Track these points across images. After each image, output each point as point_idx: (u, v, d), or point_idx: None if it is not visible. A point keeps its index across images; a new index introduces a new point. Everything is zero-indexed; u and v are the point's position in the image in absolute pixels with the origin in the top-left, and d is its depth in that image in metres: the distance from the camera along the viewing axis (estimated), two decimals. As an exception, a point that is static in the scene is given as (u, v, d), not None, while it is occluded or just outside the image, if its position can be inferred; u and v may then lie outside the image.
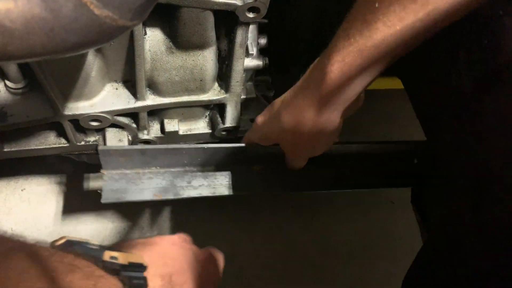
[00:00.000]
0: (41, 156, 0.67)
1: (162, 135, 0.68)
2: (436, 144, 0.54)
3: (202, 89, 0.62)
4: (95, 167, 0.57)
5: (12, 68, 0.54)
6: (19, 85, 0.57)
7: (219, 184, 0.61)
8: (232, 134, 0.70)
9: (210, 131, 0.70)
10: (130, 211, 1.00)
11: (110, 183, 0.56)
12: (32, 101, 0.58)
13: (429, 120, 0.55)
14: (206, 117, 0.70)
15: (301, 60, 0.49)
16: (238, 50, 0.57)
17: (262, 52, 0.64)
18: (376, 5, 0.37)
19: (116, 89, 0.61)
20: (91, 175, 0.56)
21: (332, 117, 0.46)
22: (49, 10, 0.27)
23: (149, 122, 0.67)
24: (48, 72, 0.52)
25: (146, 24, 0.54)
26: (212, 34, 0.56)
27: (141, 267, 0.36)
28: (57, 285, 0.27)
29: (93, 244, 0.34)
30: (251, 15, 0.52)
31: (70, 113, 0.58)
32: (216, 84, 0.64)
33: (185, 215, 1.01)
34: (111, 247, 0.35)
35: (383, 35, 0.38)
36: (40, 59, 0.31)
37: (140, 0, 0.33)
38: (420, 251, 0.52)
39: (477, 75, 0.44)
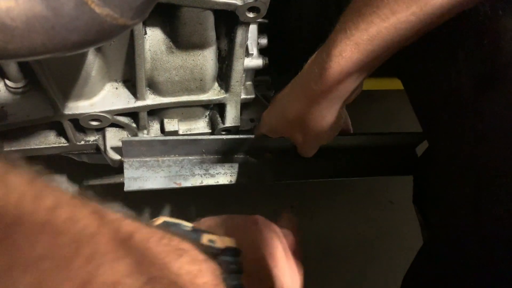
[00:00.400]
0: (41, 156, 0.67)
1: (162, 134, 0.68)
2: (436, 144, 0.54)
3: (202, 89, 0.62)
4: (95, 167, 0.57)
5: (12, 67, 0.54)
6: (19, 84, 0.57)
7: (235, 172, 0.63)
8: (232, 134, 0.70)
9: (210, 131, 0.70)
10: (130, 209, 1.00)
11: (131, 171, 0.58)
12: (32, 101, 0.58)
13: (429, 120, 0.55)
14: (206, 117, 0.70)
15: (301, 60, 0.49)
16: (238, 50, 0.57)
17: (262, 52, 0.64)
18: None
19: (116, 88, 0.61)
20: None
21: (333, 109, 0.46)
22: (50, 8, 0.28)
23: (149, 121, 0.67)
24: (48, 71, 0.52)
25: (146, 23, 0.54)
26: (212, 33, 0.56)
27: (236, 251, 0.35)
28: (168, 271, 0.27)
29: (186, 225, 0.34)
30: (251, 15, 0.52)
31: (70, 112, 0.58)
32: (216, 84, 0.64)
33: (187, 213, 1.01)
34: (206, 230, 0.35)
35: (377, 28, 0.38)
36: (40, 57, 0.31)
37: (140, -1, 0.33)
38: (419, 251, 0.52)
39: (477, 75, 0.44)
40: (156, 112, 0.66)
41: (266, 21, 0.63)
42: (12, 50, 0.29)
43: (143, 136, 0.66)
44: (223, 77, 0.63)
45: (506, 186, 0.39)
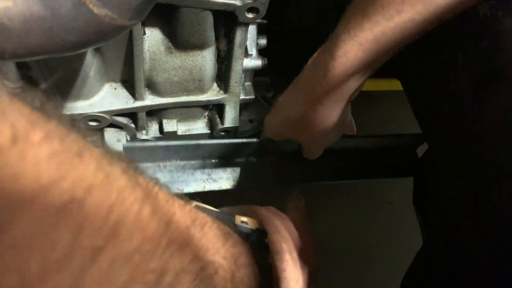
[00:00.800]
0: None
1: (160, 135, 0.68)
2: (436, 145, 0.54)
3: (201, 90, 0.62)
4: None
5: (10, 67, 0.54)
6: (17, 85, 0.57)
7: (238, 177, 0.63)
8: (231, 134, 0.70)
9: (209, 131, 0.70)
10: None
11: None
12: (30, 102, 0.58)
13: (428, 121, 0.55)
14: (205, 117, 0.70)
15: (300, 60, 0.49)
16: (237, 51, 0.57)
17: (261, 52, 0.64)
18: None
19: (115, 89, 0.60)
20: None
21: (337, 108, 0.46)
22: (48, 9, 0.27)
23: (148, 122, 0.67)
24: (46, 71, 0.52)
25: (145, 24, 0.54)
26: (211, 34, 0.56)
27: (264, 233, 0.37)
28: (219, 255, 0.29)
29: (216, 210, 0.35)
30: (250, 15, 0.52)
31: (68, 113, 0.58)
32: (215, 85, 0.64)
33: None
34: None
35: (382, 28, 0.38)
36: (38, 58, 0.31)
37: (139, -1, 0.33)
38: (419, 252, 0.52)
39: (476, 76, 0.44)
40: (155, 113, 0.66)
41: (265, 21, 0.63)
42: (10, 50, 0.29)
43: (144, 139, 0.65)
44: (222, 77, 0.63)
45: (506, 187, 0.38)
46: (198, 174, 0.61)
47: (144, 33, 0.54)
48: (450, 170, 0.49)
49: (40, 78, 0.52)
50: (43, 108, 0.19)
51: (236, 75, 0.60)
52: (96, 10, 0.30)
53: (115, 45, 0.54)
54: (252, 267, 0.34)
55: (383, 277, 1.13)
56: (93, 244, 0.18)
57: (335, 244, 1.15)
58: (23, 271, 0.16)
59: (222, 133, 0.69)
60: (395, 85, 0.66)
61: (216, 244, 0.29)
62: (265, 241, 0.36)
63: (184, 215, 0.26)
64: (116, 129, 0.65)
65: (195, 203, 0.33)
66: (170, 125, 0.67)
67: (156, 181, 0.25)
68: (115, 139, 0.64)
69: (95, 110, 0.59)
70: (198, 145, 0.59)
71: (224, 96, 0.63)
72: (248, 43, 0.61)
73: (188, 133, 0.69)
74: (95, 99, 0.59)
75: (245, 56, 0.60)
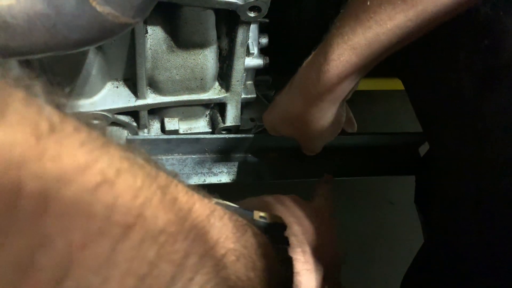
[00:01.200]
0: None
1: (162, 134, 0.68)
2: (437, 144, 0.54)
3: (203, 88, 0.62)
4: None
5: (13, 65, 0.54)
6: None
7: (238, 171, 0.64)
8: (233, 133, 0.70)
9: (211, 130, 0.70)
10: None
11: None
12: (33, 99, 0.58)
13: (430, 120, 0.55)
14: (206, 116, 0.70)
15: (301, 60, 0.49)
16: (239, 49, 0.57)
17: (263, 51, 0.64)
18: (368, 4, 0.38)
19: (117, 87, 0.61)
20: None
21: (332, 108, 0.47)
22: (51, 7, 0.28)
23: (150, 120, 0.67)
24: (49, 69, 0.52)
25: (147, 22, 0.54)
26: (213, 33, 0.56)
27: (283, 227, 0.38)
28: (240, 244, 0.30)
29: (235, 206, 0.36)
30: (252, 14, 0.52)
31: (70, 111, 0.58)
32: (217, 83, 0.64)
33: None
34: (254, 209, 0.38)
35: (375, 33, 0.38)
36: (42, 56, 0.32)
37: (142, -3, 0.33)
38: (420, 251, 0.52)
39: (477, 76, 0.44)
40: (157, 111, 0.66)
41: (267, 20, 0.63)
42: (14, 48, 0.29)
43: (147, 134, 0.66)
44: (224, 76, 0.63)
45: (507, 185, 0.39)
46: (199, 167, 0.63)
47: (146, 32, 0.54)
48: (451, 169, 0.49)
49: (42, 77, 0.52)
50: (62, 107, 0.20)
51: (237, 74, 0.60)
52: (99, 8, 0.30)
53: (117, 43, 0.54)
54: (273, 259, 0.34)
55: (384, 276, 1.13)
56: (124, 221, 0.19)
57: (336, 244, 1.15)
58: (68, 238, 0.17)
59: (224, 132, 0.69)
60: (396, 84, 0.66)
61: (236, 234, 0.30)
62: (284, 235, 0.37)
63: (204, 205, 0.27)
64: (118, 127, 0.65)
65: (214, 199, 0.34)
66: (171, 124, 0.67)
67: (175, 175, 0.26)
68: (117, 137, 0.65)
69: (97, 109, 0.59)
70: (198, 139, 0.60)
71: (225, 95, 0.64)
72: (249, 42, 0.61)
73: (190, 131, 0.69)
74: (97, 97, 0.59)
75: (246, 55, 0.60)
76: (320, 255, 0.41)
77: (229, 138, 0.61)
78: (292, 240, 0.38)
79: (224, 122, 0.67)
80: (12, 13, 0.27)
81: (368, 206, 1.26)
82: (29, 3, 0.27)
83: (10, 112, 0.16)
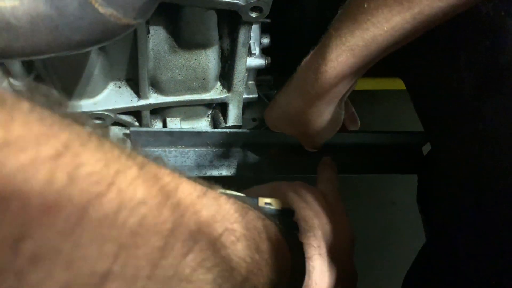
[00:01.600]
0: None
1: (164, 133, 0.68)
2: (438, 144, 0.54)
3: (205, 88, 0.63)
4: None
5: (16, 65, 0.54)
6: (23, 83, 0.57)
7: (238, 165, 0.65)
8: (234, 131, 0.70)
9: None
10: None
11: None
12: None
13: (431, 120, 0.55)
14: (208, 116, 0.70)
15: (303, 60, 0.49)
16: (241, 50, 0.57)
17: (265, 51, 0.64)
18: (365, 6, 0.38)
19: (119, 87, 0.61)
20: None
21: (331, 107, 0.47)
22: (54, 8, 0.28)
23: (152, 120, 0.67)
24: (52, 70, 0.52)
25: (149, 23, 0.54)
26: (215, 33, 0.56)
27: (291, 212, 0.38)
28: (239, 225, 0.29)
29: (241, 194, 0.36)
30: (254, 14, 0.52)
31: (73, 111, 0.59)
32: (219, 83, 0.64)
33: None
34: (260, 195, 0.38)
35: (372, 35, 0.38)
36: (44, 56, 0.32)
37: (144, -2, 0.33)
38: (421, 250, 0.52)
39: (478, 76, 0.44)
40: (159, 111, 0.66)
41: (268, 20, 0.64)
42: (17, 49, 0.29)
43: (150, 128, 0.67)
44: (226, 76, 0.63)
45: (507, 187, 0.39)
46: (201, 160, 0.64)
47: (149, 32, 0.55)
48: (452, 169, 0.49)
49: (45, 77, 0.53)
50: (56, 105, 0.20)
51: (239, 74, 0.61)
52: (101, 9, 0.30)
53: (119, 44, 0.55)
54: (281, 243, 0.34)
55: (386, 275, 1.13)
56: (92, 188, 0.19)
57: (338, 243, 1.15)
58: (23, 201, 0.17)
59: (226, 131, 0.69)
60: (398, 84, 0.66)
61: (234, 215, 0.29)
62: (293, 220, 0.37)
63: (193, 186, 0.27)
64: (120, 127, 0.65)
65: (219, 189, 0.33)
66: (173, 124, 0.67)
67: (161, 161, 0.25)
68: (119, 137, 0.65)
69: (99, 109, 0.59)
70: (199, 133, 0.61)
71: (227, 95, 0.64)
72: (251, 42, 0.61)
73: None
74: (99, 97, 0.60)
75: (248, 55, 0.60)
76: (332, 240, 0.41)
77: (231, 132, 0.62)
78: (303, 225, 0.38)
79: (226, 122, 0.67)
80: (15, 14, 0.28)
81: (370, 206, 1.26)
82: (32, 4, 0.28)
83: None
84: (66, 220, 0.18)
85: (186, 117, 0.68)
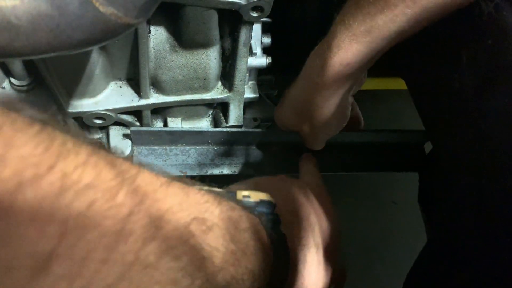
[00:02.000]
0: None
1: (165, 132, 0.68)
2: (439, 143, 0.54)
3: (206, 88, 0.63)
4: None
5: (17, 65, 0.54)
6: (24, 83, 0.57)
7: (239, 163, 0.65)
8: (235, 131, 0.70)
9: (213, 130, 0.70)
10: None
11: (140, 158, 0.60)
12: (37, 99, 0.59)
13: (432, 120, 0.55)
14: (209, 115, 0.70)
15: (305, 59, 0.49)
16: (242, 49, 0.57)
17: (266, 51, 0.64)
18: None
19: (120, 87, 0.61)
20: None
21: (337, 99, 0.47)
22: (55, 7, 0.28)
23: (153, 120, 0.67)
24: (53, 69, 0.52)
25: (150, 22, 0.54)
26: (216, 33, 0.56)
27: (271, 204, 0.36)
28: (211, 215, 0.28)
29: (219, 190, 0.34)
30: (255, 14, 0.52)
31: (74, 110, 0.59)
32: (220, 83, 0.64)
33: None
34: (239, 189, 0.36)
35: (374, 20, 0.39)
36: (45, 56, 0.32)
37: (145, -2, 0.33)
38: (423, 250, 0.52)
39: (480, 76, 0.44)
40: (160, 111, 0.66)
41: (269, 20, 0.64)
42: (18, 48, 0.29)
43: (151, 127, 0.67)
44: (227, 76, 0.63)
45: (508, 187, 0.38)
46: (202, 158, 0.64)
47: (150, 32, 0.55)
48: (453, 169, 0.49)
49: (46, 76, 0.53)
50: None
51: (240, 74, 0.61)
52: (102, 8, 0.30)
53: (120, 43, 0.55)
54: (260, 235, 0.32)
55: (387, 275, 1.13)
56: (23, 171, 0.18)
57: (339, 243, 1.15)
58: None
59: (227, 131, 0.69)
60: (400, 84, 0.66)
61: (204, 205, 0.28)
62: (274, 212, 0.36)
63: (154, 176, 0.25)
64: (121, 127, 0.65)
65: (196, 185, 0.32)
66: (174, 123, 0.67)
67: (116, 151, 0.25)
68: (120, 137, 0.65)
69: (100, 108, 0.59)
70: (201, 132, 0.61)
71: (228, 94, 0.64)
72: (252, 41, 0.61)
73: (193, 131, 0.70)
74: (100, 97, 0.60)
75: (249, 55, 0.60)
76: (318, 230, 0.40)
77: (232, 131, 0.62)
78: (287, 216, 0.37)
79: (227, 121, 0.67)
80: (16, 13, 0.28)
81: (371, 206, 1.26)
82: (33, 3, 0.28)
83: None
84: None
85: (187, 117, 0.68)
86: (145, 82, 0.58)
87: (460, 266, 0.44)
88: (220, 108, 0.69)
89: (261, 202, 0.35)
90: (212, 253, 0.26)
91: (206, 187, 0.31)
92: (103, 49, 0.54)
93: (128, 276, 0.21)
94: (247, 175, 0.66)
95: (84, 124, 0.63)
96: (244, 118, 0.68)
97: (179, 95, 0.62)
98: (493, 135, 0.41)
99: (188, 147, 0.63)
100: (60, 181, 0.19)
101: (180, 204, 0.25)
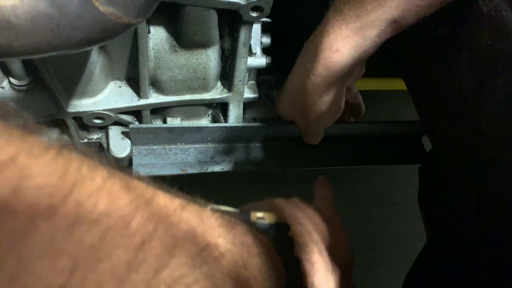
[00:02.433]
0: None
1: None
2: (439, 143, 0.54)
3: (205, 88, 0.63)
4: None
5: (16, 65, 0.54)
6: (23, 82, 0.57)
7: (239, 161, 0.65)
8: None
9: (213, 130, 0.70)
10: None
11: (139, 158, 0.61)
12: (36, 99, 0.59)
13: (432, 120, 0.55)
14: (209, 115, 0.70)
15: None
16: (241, 49, 0.57)
17: (265, 51, 0.64)
18: None
19: (120, 87, 0.61)
20: None
21: (330, 88, 0.47)
22: (54, 7, 0.28)
23: (152, 120, 0.67)
24: (52, 69, 0.52)
25: (150, 22, 0.54)
26: (215, 33, 0.56)
27: (285, 227, 0.36)
28: (224, 240, 0.28)
29: (233, 210, 0.34)
30: (254, 14, 0.52)
31: (73, 110, 0.59)
32: (219, 83, 0.64)
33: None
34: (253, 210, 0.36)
35: (363, 4, 0.39)
36: (45, 55, 0.32)
37: (144, -3, 0.33)
38: (422, 251, 0.52)
39: (479, 76, 0.44)
40: (159, 111, 0.66)
41: (269, 20, 0.63)
42: (17, 48, 0.29)
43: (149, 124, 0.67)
44: (226, 76, 0.63)
45: (507, 186, 0.39)
46: (202, 156, 0.64)
47: (149, 32, 0.55)
48: (453, 168, 0.49)
49: (45, 76, 0.53)
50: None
51: (240, 74, 0.61)
52: (101, 8, 0.30)
53: (120, 43, 0.54)
54: (274, 260, 0.32)
55: (387, 275, 1.13)
56: (39, 200, 0.18)
57: (338, 243, 1.15)
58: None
59: (226, 131, 0.69)
60: (400, 84, 0.66)
61: (217, 229, 0.28)
62: (288, 235, 0.35)
63: (170, 199, 0.25)
64: (120, 127, 0.65)
65: (210, 206, 0.31)
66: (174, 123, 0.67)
67: (139, 176, 0.25)
68: (120, 137, 0.65)
69: (100, 108, 0.59)
70: (199, 128, 0.61)
71: (228, 94, 0.64)
72: (252, 41, 0.61)
73: (192, 131, 0.70)
74: (100, 97, 0.60)
75: (249, 55, 0.60)
76: (331, 256, 0.40)
77: (231, 127, 0.62)
78: (299, 240, 0.36)
79: (226, 121, 0.67)
80: (16, 13, 0.28)
81: (371, 206, 1.26)
82: (33, 3, 0.28)
83: None
84: (8, 234, 0.17)
85: (186, 117, 0.68)
86: (145, 82, 0.58)
87: (460, 266, 0.44)
88: (220, 108, 0.68)
89: (275, 224, 0.35)
90: (224, 280, 0.26)
91: (221, 207, 0.31)
92: (102, 49, 0.54)
93: None
94: (248, 172, 0.66)
95: (84, 124, 0.63)
96: (243, 118, 0.68)
97: (179, 95, 0.62)
98: (493, 135, 0.41)
99: (187, 146, 0.63)
100: (74, 211, 0.19)
101: (194, 230, 0.25)
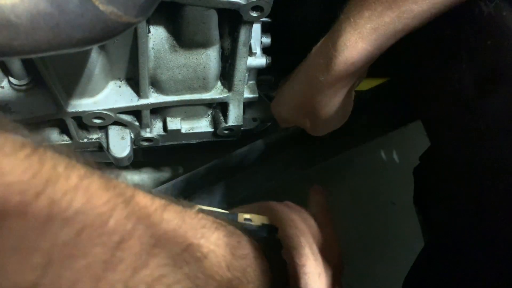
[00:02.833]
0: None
1: (164, 133, 0.68)
2: (439, 143, 0.54)
3: (205, 88, 0.62)
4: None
5: (16, 64, 0.54)
6: (23, 82, 0.57)
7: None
8: (235, 133, 0.70)
9: (213, 129, 0.70)
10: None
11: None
12: (36, 98, 0.59)
13: (431, 120, 0.55)
14: (208, 115, 0.70)
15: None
16: (242, 49, 0.57)
17: (266, 51, 0.64)
18: None
19: (119, 86, 0.61)
20: None
21: (339, 96, 0.47)
22: (54, 5, 0.28)
23: (152, 120, 0.67)
24: (52, 69, 0.52)
25: (150, 22, 0.54)
26: (215, 32, 0.56)
27: (273, 228, 0.35)
28: (206, 241, 0.27)
29: (221, 211, 0.34)
30: (254, 14, 0.52)
31: (73, 110, 0.59)
32: (219, 83, 0.64)
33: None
34: (241, 211, 0.35)
35: (380, 17, 0.38)
36: (45, 55, 0.32)
37: (145, -3, 0.33)
38: (421, 252, 0.52)
39: (480, 76, 0.44)
40: (159, 111, 0.66)
41: (269, 20, 0.64)
42: (17, 47, 0.29)
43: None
44: (226, 76, 0.63)
45: (508, 186, 0.38)
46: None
47: (149, 31, 0.55)
48: (452, 169, 0.49)
49: (45, 76, 0.53)
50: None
51: (240, 74, 0.61)
52: (102, 7, 0.30)
53: (120, 42, 0.54)
54: (260, 262, 0.32)
55: (386, 276, 1.12)
56: (10, 198, 0.18)
57: (338, 244, 1.15)
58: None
59: (226, 132, 0.69)
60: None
61: (200, 230, 0.27)
62: (276, 237, 0.35)
63: (151, 198, 0.25)
64: (120, 126, 0.65)
65: (197, 207, 0.31)
66: (174, 123, 0.67)
67: (119, 175, 0.24)
68: (119, 136, 0.65)
69: (99, 108, 0.59)
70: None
71: (228, 94, 0.64)
72: (252, 41, 0.61)
73: (192, 131, 0.69)
74: (99, 96, 0.60)
75: (249, 55, 0.60)
76: (325, 257, 0.39)
77: (235, 154, 0.65)
78: (288, 242, 0.36)
79: (226, 121, 0.67)
80: (15, 12, 0.28)
81: (370, 206, 1.26)
82: (33, 2, 0.28)
83: None
84: None
85: (186, 117, 0.68)
86: (145, 81, 0.58)
87: (459, 267, 0.44)
88: (220, 108, 0.68)
89: (263, 226, 0.35)
90: (207, 281, 0.26)
91: (208, 208, 0.31)
92: (102, 48, 0.54)
93: None
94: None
95: (83, 124, 0.62)
96: (243, 118, 0.68)
97: (179, 95, 0.62)
98: (493, 135, 0.41)
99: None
100: (47, 208, 0.18)
101: (175, 230, 0.25)
